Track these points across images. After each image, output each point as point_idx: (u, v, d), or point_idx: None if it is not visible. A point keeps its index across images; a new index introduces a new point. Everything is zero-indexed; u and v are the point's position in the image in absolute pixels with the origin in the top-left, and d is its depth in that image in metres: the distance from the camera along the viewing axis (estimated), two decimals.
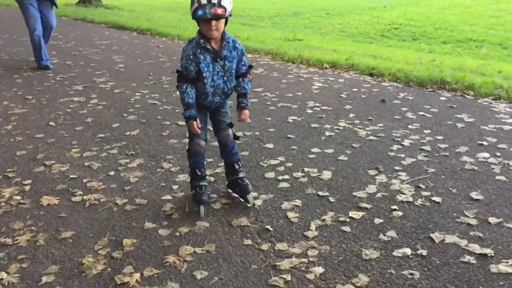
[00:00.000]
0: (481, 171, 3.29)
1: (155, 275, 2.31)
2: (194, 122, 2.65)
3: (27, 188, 3.23)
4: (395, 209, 2.82)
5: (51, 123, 4.50)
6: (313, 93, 5.33)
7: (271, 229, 2.66)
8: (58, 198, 3.08)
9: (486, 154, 3.54)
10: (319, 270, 2.31)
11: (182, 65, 2.65)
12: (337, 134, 4.04)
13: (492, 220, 2.68)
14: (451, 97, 5.06)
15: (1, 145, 3.98)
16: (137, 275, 2.30)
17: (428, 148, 3.69)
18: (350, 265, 2.34)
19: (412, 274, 2.26)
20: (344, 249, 2.47)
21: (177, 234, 2.65)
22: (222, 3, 2.43)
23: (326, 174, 3.30)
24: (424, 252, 2.42)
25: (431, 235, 2.56)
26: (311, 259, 2.40)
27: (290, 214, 2.80)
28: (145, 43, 9.04)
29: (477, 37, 12.20)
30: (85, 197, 3.08)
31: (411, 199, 2.93)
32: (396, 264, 2.34)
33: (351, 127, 4.20)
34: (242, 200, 2.95)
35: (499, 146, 3.70)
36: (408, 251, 2.44)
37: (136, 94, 5.41)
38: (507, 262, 2.32)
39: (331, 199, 2.97)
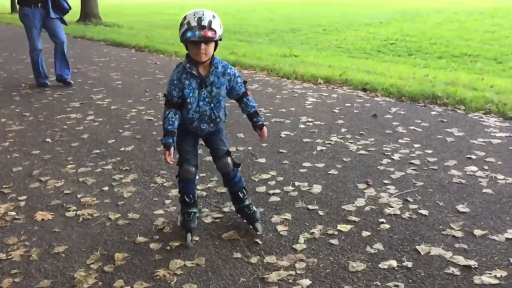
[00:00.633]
0: (469, 184, 3.35)
1: None
2: (167, 152, 2.60)
3: (22, 204, 3.28)
4: (382, 222, 2.87)
5: (47, 139, 4.56)
6: (306, 108, 5.41)
7: (260, 242, 2.71)
8: (52, 213, 3.13)
9: (474, 168, 3.60)
10: (306, 282, 2.35)
11: (167, 90, 2.63)
12: (329, 149, 4.10)
13: (477, 232, 2.73)
14: (442, 112, 5.13)
15: None
16: None
17: (417, 162, 3.75)
18: (336, 277, 2.39)
19: (397, 285, 2.30)
20: (332, 262, 2.52)
21: (168, 248, 2.69)
22: (212, 26, 2.40)
23: (316, 188, 3.35)
24: (410, 264, 2.46)
25: (417, 247, 2.60)
26: (298, 271, 2.44)
27: (280, 228, 2.85)
28: (143, 60, 9.15)
29: (472, 52, 12.33)
30: (78, 212, 3.13)
31: (398, 212, 2.98)
32: (382, 276, 2.39)
33: (343, 141, 4.26)
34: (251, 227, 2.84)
35: (487, 159, 3.76)
36: (394, 263, 2.48)
37: (132, 110, 5.49)
38: (491, 274, 2.36)
39: (320, 213, 3.02)
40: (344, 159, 3.86)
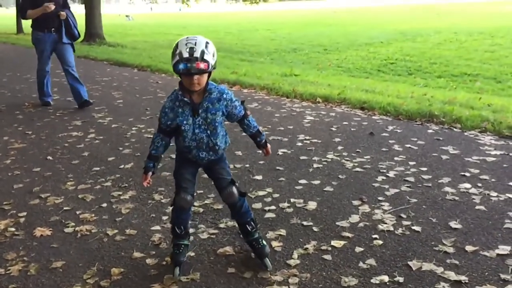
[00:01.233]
0: (462, 201, 3.39)
1: None
2: (144, 175, 2.58)
3: (21, 220, 3.34)
4: (375, 238, 2.91)
5: (48, 157, 4.64)
6: (304, 126, 5.48)
7: (255, 257, 2.74)
8: (51, 229, 3.18)
9: (468, 185, 3.64)
10: None
11: (159, 116, 2.58)
12: (325, 166, 4.16)
13: (469, 248, 2.77)
14: (439, 130, 5.19)
15: None
16: None
17: (412, 179, 3.80)
18: None
19: None
20: (324, 277, 2.55)
21: (164, 263, 2.74)
22: (205, 57, 2.30)
23: (312, 205, 3.40)
24: (401, 279, 2.50)
25: (409, 262, 2.64)
26: (292, 286, 2.48)
27: (274, 243, 2.89)
28: (145, 79, 9.29)
29: (472, 71, 12.45)
30: (77, 228, 3.18)
31: (392, 228, 3.02)
32: None
33: (339, 159, 4.32)
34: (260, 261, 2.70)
35: (481, 177, 3.81)
36: (385, 278, 2.52)
37: (133, 128, 5.57)
38: None
39: (315, 229, 3.06)
40: (340, 176, 3.92)
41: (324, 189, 3.67)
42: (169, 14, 51.93)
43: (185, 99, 2.46)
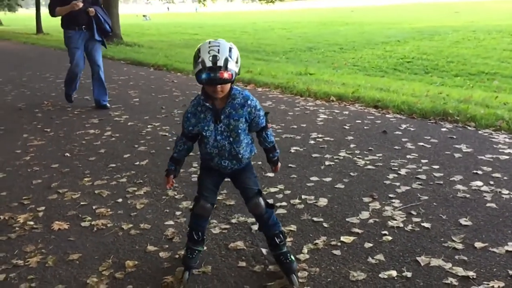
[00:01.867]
0: (473, 198, 3.40)
1: None
2: (167, 178, 2.56)
3: (40, 214, 3.44)
4: (385, 234, 2.94)
5: (66, 154, 4.76)
6: (317, 124, 5.52)
7: (265, 252, 2.80)
8: (68, 223, 3.28)
9: (480, 183, 3.65)
10: None
11: (182, 121, 2.49)
12: (337, 164, 4.19)
13: (478, 244, 2.78)
14: (452, 128, 5.18)
15: (19, 174, 4.23)
16: None
17: (423, 176, 3.81)
18: (337, 286, 2.46)
19: None
20: (333, 271, 2.60)
21: (177, 256, 2.81)
22: (229, 65, 2.17)
23: (322, 201, 3.44)
24: (409, 274, 2.53)
25: (418, 258, 2.67)
26: (300, 280, 2.52)
27: None
28: (161, 78, 9.40)
29: (490, 70, 12.34)
30: (93, 223, 3.27)
31: (401, 225, 3.05)
32: (382, 285, 2.45)
33: (351, 156, 4.35)
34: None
35: (493, 175, 3.81)
36: (394, 273, 2.55)
37: (148, 126, 5.67)
38: (488, 284, 2.41)
39: (325, 225, 3.11)
40: (351, 173, 3.95)
41: (335, 186, 3.71)
42: (185, 14, 52.30)
43: (207, 104, 2.35)
